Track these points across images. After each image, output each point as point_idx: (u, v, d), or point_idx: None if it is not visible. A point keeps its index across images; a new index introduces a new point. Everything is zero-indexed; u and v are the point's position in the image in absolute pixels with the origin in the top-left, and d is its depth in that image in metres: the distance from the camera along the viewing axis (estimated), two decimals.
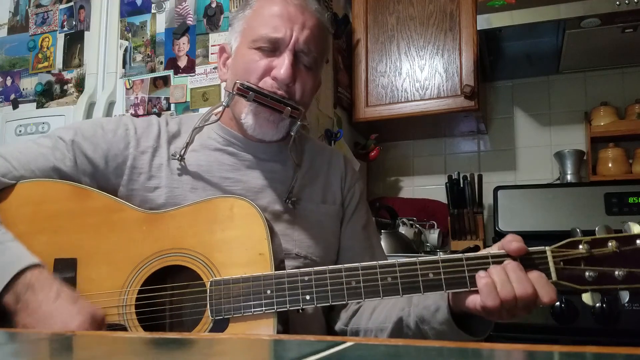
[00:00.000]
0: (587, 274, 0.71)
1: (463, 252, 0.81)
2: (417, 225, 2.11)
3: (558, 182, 2.16)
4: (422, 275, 0.74)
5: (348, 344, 0.46)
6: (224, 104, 0.94)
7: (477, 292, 0.73)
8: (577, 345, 0.42)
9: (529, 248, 0.73)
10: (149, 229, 0.85)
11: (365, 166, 2.38)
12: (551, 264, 0.72)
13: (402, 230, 2.05)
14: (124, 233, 0.86)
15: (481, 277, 0.72)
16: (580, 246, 0.72)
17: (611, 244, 0.70)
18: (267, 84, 0.93)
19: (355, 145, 2.23)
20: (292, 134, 0.94)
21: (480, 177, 2.19)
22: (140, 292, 0.82)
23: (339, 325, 0.99)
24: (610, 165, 2.06)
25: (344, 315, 0.99)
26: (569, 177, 2.09)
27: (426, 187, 2.39)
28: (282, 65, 0.92)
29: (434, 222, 2.18)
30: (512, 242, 0.73)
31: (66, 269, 0.84)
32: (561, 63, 2.12)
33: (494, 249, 0.75)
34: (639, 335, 1.40)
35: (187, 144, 0.96)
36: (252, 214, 0.82)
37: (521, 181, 2.25)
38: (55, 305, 0.76)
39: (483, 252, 0.75)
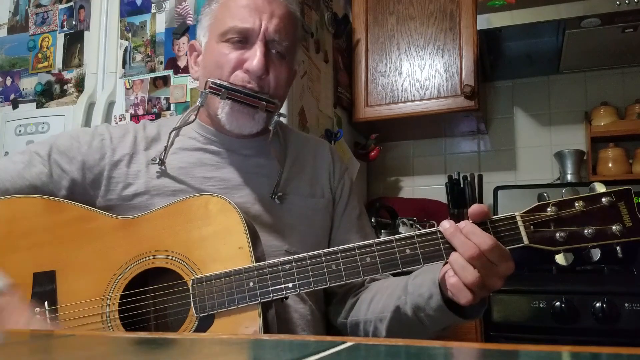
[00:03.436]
0: (557, 235, 0.73)
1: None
2: (417, 225, 2.11)
3: (558, 182, 2.16)
4: (399, 252, 0.76)
5: (348, 344, 0.46)
6: (198, 103, 0.93)
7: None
8: (575, 346, 0.42)
9: (499, 215, 0.75)
10: (125, 234, 0.85)
11: (365, 166, 2.37)
12: (522, 228, 0.74)
13: (402, 230, 2.04)
14: (100, 241, 0.86)
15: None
16: (549, 209, 0.73)
17: (578, 204, 0.73)
18: (238, 77, 0.92)
19: (355, 145, 2.23)
20: (271, 128, 0.94)
21: (480, 177, 2.19)
22: (122, 297, 0.82)
23: (339, 320, 0.99)
24: (610, 165, 2.06)
25: (342, 309, 0.99)
26: (569, 177, 2.09)
27: (426, 187, 2.39)
28: (254, 56, 0.91)
29: (434, 222, 2.18)
30: (472, 207, 0.75)
31: (46, 282, 0.84)
32: (561, 63, 2.12)
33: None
34: (639, 336, 1.40)
35: (166, 147, 0.95)
36: (227, 209, 0.82)
37: (521, 181, 2.25)
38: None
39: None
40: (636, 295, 1.43)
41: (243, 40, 0.92)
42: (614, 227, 0.71)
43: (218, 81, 0.91)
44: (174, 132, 0.96)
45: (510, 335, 1.52)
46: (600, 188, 0.73)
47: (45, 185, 0.93)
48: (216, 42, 0.95)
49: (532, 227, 0.74)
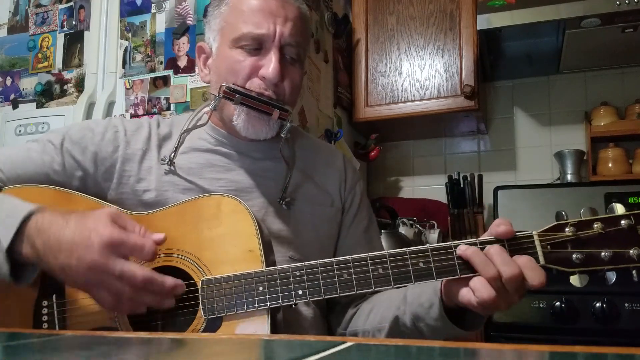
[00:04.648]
0: (574, 256, 0.72)
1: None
2: (417, 225, 2.11)
3: (558, 182, 2.16)
4: (412, 264, 0.74)
5: (348, 344, 0.46)
6: (211, 107, 0.93)
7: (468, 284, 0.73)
8: (574, 346, 0.42)
9: (517, 232, 0.74)
10: None
11: (365, 166, 2.38)
12: (538, 248, 0.73)
13: (402, 230, 2.05)
14: None
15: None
16: (567, 229, 0.72)
17: (596, 226, 0.71)
18: (254, 84, 0.91)
19: (355, 145, 2.23)
20: (283, 135, 0.93)
21: (480, 177, 2.19)
22: None
23: (338, 330, 0.99)
24: (610, 165, 2.06)
25: (342, 320, 0.98)
26: (569, 177, 2.09)
27: (426, 187, 2.39)
28: (270, 64, 0.89)
29: (434, 222, 2.18)
30: (500, 226, 0.73)
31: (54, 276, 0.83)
32: (561, 63, 2.12)
33: (485, 236, 0.75)
34: (639, 336, 1.40)
35: (176, 148, 0.95)
36: (239, 210, 0.81)
37: (521, 181, 2.25)
38: (71, 232, 0.73)
39: (472, 240, 0.75)
40: (636, 295, 1.43)
41: (257, 46, 0.91)
42: (631, 251, 0.69)
43: (232, 86, 0.90)
44: (184, 134, 0.96)
45: (510, 335, 1.52)
46: (620, 210, 0.71)
47: (57, 174, 0.92)
48: (229, 48, 0.93)
49: (548, 246, 0.73)
